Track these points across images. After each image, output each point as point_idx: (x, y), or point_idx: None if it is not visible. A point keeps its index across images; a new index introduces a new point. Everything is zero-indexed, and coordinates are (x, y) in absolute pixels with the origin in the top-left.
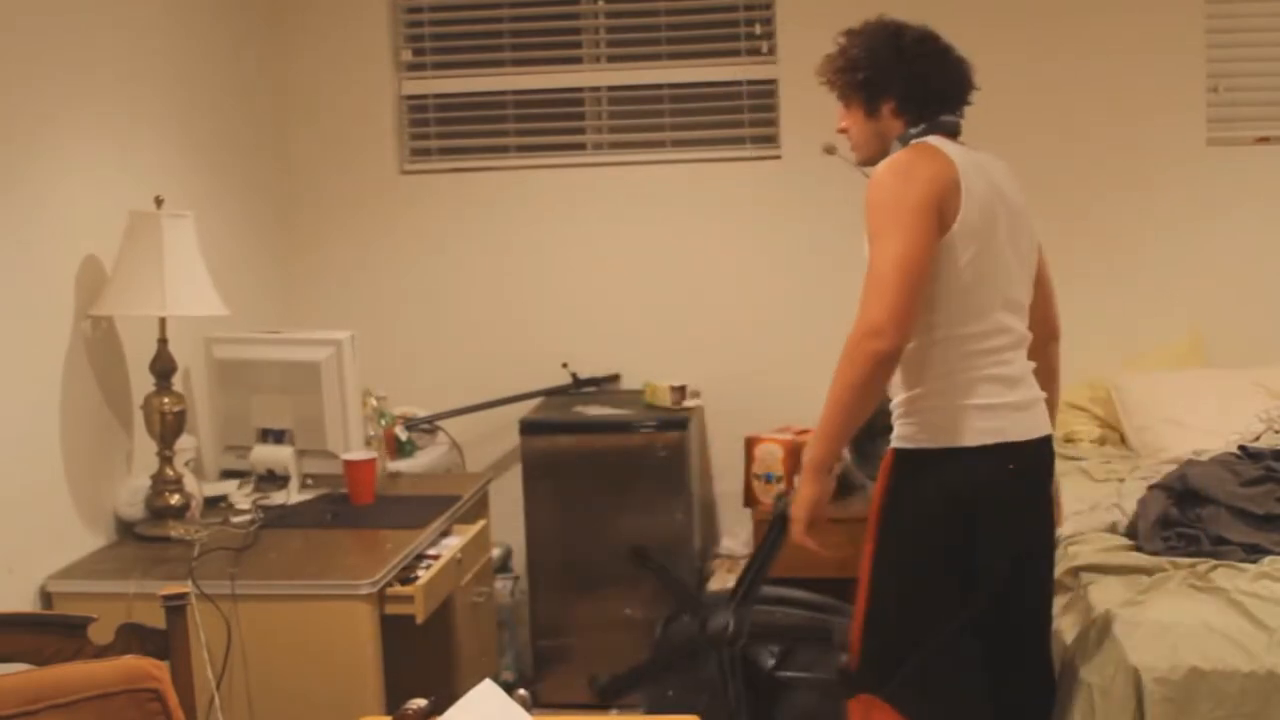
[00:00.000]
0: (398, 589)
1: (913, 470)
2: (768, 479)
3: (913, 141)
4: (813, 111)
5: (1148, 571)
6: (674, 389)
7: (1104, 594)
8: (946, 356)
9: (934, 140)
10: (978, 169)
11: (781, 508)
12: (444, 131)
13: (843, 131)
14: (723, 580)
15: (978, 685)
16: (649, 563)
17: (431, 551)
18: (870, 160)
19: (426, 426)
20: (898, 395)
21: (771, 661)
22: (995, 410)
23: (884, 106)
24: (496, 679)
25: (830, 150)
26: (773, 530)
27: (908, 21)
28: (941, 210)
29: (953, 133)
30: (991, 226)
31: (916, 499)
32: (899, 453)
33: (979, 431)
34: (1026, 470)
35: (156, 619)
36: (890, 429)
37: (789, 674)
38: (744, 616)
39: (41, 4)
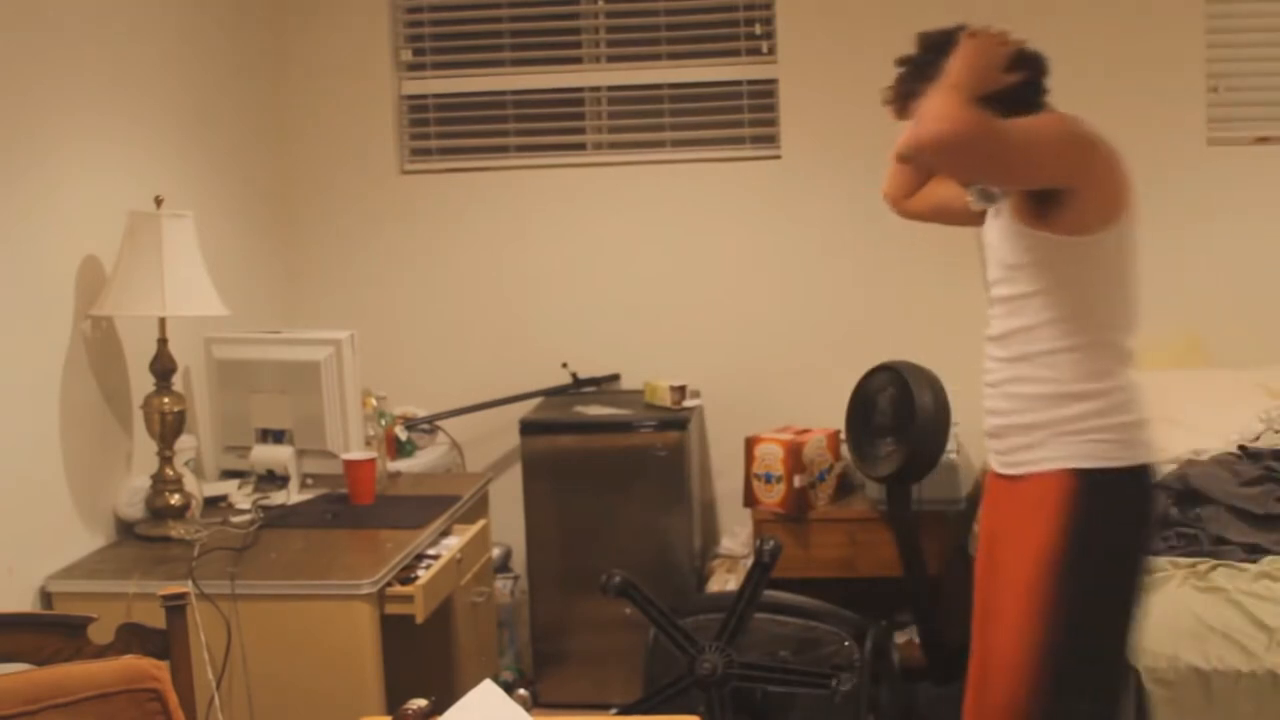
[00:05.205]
0: (398, 589)
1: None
2: (768, 479)
3: None
4: (812, 111)
5: (1148, 571)
6: (674, 389)
7: None
8: (1113, 365)
9: None
10: None
11: (766, 550)
12: (444, 131)
13: None
14: (722, 581)
15: None
16: (636, 597)
17: (431, 551)
18: None
19: (426, 426)
20: (1069, 407)
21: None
22: (1148, 426)
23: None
24: (496, 679)
25: None
26: (755, 570)
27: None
28: (1085, 173)
29: None
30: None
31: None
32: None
33: (1146, 448)
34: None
35: (156, 619)
36: (892, 431)
37: (780, 690)
38: (732, 659)
39: (42, 5)
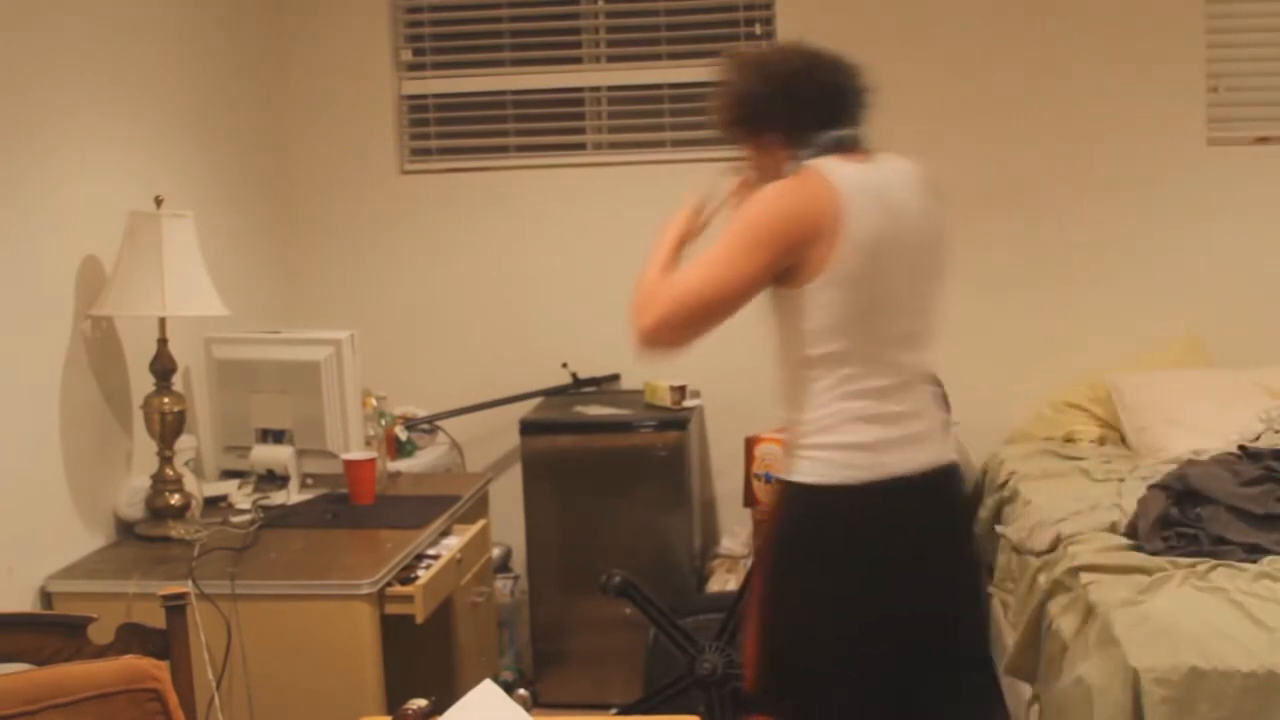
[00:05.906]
0: (398, 589)
1: (804, 506)
2: (768, 479)
3: (800, 167)
4: None
5: (1148, 571)
6: (674, 389)
7: (1104, 594)
8: (826, 397)
9: (822, 163)
10: (872, 193)
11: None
12: (444, 131)
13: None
14: (722, 581)
15: None
16: (636, 597)
17: (431, 551)
18: None
19: (426, 426)
20: (792, 429)
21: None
22: (867, 449)
23: (769, 139)
24: (496, 679)
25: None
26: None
27: (782, 44)
28: (797, 249)
29: (847, 148)
30: (879, 263)
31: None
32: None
33: (850, 469)
34: (913, 508)
35: (156, 619)
36: None
37: None
38: (732, 659)
39: (42, 5)
